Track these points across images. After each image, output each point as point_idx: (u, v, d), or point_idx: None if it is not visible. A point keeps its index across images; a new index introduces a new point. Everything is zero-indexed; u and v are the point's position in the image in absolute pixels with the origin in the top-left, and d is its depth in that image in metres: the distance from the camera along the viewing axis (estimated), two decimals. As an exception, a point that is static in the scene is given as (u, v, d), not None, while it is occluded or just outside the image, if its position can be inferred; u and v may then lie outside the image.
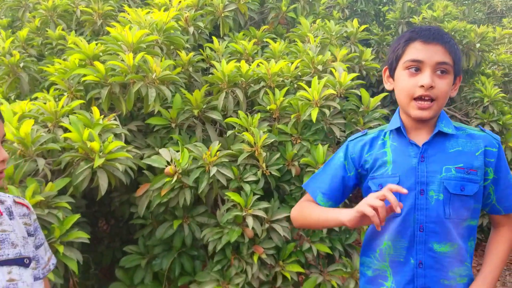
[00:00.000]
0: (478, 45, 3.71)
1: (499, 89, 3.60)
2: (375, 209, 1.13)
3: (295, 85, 2.51)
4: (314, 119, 2.19)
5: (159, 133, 2.43)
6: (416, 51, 1.25)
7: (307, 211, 1.41)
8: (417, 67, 1.25)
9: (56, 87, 2.31)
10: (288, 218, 2.20)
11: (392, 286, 1.32)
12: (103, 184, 1.80)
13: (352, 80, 2.41)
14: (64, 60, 2.32)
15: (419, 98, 1.25)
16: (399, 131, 1.34)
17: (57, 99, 2.24)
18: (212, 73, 2.45)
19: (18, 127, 1.73)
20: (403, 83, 1.27)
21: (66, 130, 1.93)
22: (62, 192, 1.84)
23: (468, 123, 3.56)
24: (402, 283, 1.31)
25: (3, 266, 1.21)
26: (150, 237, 2.33)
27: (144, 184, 2.10)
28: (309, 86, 2.31)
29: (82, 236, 1.75)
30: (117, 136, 1.98)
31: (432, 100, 1.24)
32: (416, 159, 1.29)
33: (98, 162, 1.72)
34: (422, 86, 1.22)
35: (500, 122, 3.40)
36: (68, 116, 1.92)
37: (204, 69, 2.87)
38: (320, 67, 2.56)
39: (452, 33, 3.70)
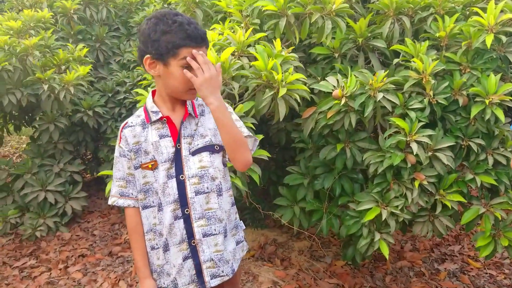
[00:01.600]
0: None
1: None
2: None
3: (467, 12, 2.37)
4: (488, 46, 2.08)
5: (320, 64, 2.54)
6: None
7: None
8: None
9: (232, 19, 2.53)
10: (452, 148, 2.19)
11: None
12: (281, 110, 2.01)
13: (535, 4, 2.20)
14: (238, -7, 2.51)
15: None
16: None
17: (232, 30, 2.46)
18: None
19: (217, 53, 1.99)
20: None
21: (249, 58, 2.14)
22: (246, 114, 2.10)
23: None
24: None
25: (195, 155, 1.45)
26: (310, 160, 2.51)
27: (311, 107, 2.25)
28: (484, 13, 2.18)
29: (264, 153, 2.00)
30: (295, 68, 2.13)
31: None
32: None
33: (282, 91, 1.91)
34: None
35: None
36: (254, 46, 2.12)
37: (364, 0, 2.85)
38: (496, -7, 2.38)
39: None
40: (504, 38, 2.16)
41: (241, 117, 2.03)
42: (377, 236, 2.18)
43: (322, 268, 2.89)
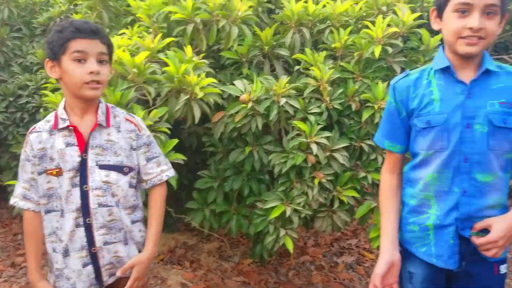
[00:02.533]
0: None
1: None
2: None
3: (359, 25, 2.63)
4: (377, 56, 2.33)
5: (229, 70, 2.65)
6: None
7: (382, 204, 1.58)
8: (465, 9, 1.32)
9: (140, 24, 2.55)
10: (347, 148, 2.40)
11: (436, 213, 1.45)
12: (196, 114, 2.09)
13: (415, 20, 2.50)
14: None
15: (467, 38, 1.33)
16: (445, 71, 1.42)
17: (140, 35, 2.47)
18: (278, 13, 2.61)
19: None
20: (452, 25, 1.35)
21: (160, 64, 2.19)
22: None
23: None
24: (445, 210, 1.43)
25: (102, 169, 1.48)
26: (220, 163, 2.60)
27: (220, 111, 2.34)
28: (373, 26, 2.44)
29: (180, 157, 2.06)
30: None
31: (480, 38, 1.32)
32: (463, 96, 1.39)
33: (200, 94, 1.99)
34: (471, 28, 1.30)
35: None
36: (164, 52, 2.16)
37: (270, 11, 3.02)
38: (384, 8, 2.65)
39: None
40: (390, 49, 2.42)
41: (155, 122, 2.07)
42: (282, 232, 2.33)
43: (230, 267, 2.99)
